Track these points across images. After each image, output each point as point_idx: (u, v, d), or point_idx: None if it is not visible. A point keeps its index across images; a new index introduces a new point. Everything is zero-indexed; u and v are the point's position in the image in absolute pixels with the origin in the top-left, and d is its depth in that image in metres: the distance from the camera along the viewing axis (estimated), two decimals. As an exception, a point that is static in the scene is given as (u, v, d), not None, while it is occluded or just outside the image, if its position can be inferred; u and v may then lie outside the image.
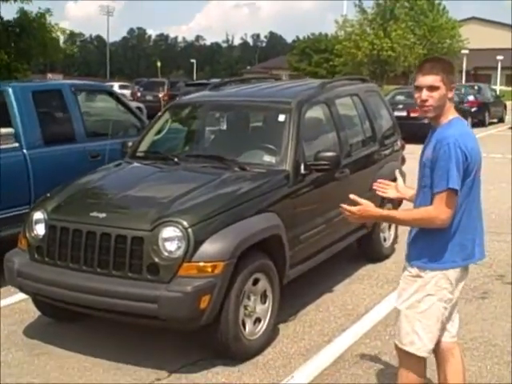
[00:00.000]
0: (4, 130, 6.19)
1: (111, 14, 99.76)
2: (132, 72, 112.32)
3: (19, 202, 5.98)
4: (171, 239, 4.19)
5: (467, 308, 5.33)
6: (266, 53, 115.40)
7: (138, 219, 4.38)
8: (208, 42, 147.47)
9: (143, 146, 5.90)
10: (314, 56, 44.97)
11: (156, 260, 4.17)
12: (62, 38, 17.07)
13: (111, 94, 7.91)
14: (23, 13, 11.50)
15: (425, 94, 3.13)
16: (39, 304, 4.98)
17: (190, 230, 4.18)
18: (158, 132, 6.09)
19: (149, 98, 27.55)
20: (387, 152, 6.83)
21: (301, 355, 4.54)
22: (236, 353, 4.40)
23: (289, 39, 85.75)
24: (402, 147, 7.35)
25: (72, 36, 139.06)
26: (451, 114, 3.19)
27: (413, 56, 33.10)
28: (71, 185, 5.13)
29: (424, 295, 3.18)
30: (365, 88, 6.88)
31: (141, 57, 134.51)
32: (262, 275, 4.60)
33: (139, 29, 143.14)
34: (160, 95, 27.13)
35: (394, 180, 3.79)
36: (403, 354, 3.30)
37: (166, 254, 4.17)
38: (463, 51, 43.00)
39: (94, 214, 4.47)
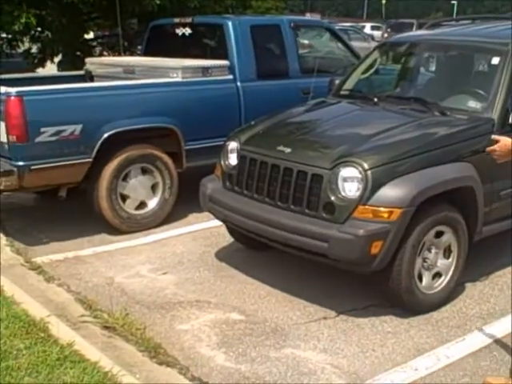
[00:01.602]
0: (220, 63, 6.45)
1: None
2: (389, 13, 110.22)
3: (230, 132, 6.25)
4: (350, 179, 4.09)
5: None
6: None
7: (320, 157, 4.33)
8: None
9: (348, 85, 5.78)
10: None
11: (332, 199, 4.10)
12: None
13: (331, 30, 7.80)
14: None
15: None
16: (231, 230, 5.22)
17: (369, 172, 4.04)
18: (366, 71, 5.91)
19: (395, 38, 26.84)
20: None
21: (480, 318, 4.22)
22: (408, 304, 4.23)
23: None
24: None
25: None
26: None
27: None
28: (269, 118, 5.22)
29: None
30: None
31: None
32: (447, 228, 4.32)
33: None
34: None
35: None
36: None
37: (343, 194, 4.08)
38: None
39: (281, 147, 4.50)
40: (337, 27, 26.33)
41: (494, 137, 3.46)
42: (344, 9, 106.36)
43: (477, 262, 4.88)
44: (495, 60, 4.90)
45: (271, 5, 27.17)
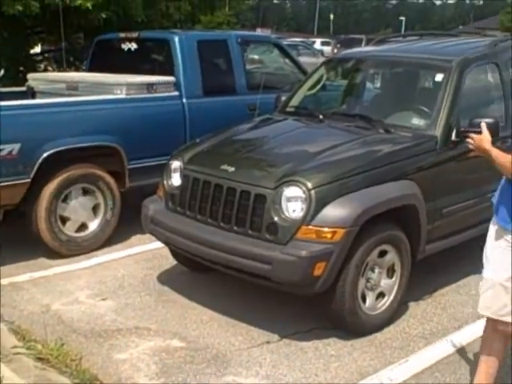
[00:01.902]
0: (165, 79, 6.33)
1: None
2: (340, 28, 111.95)
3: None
4: (293, 199, 4.02)
5: None
6: (482, 12, 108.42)
7: (264, 176, 4.25)
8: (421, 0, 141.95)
9: (294, 101, 5.74)
10: (532, 15, 41.31)
11: (276, 220, 4.02)
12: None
13: (278, 46, 7.77)
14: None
15: None
16: (174, 252, 5.08)
17: (313, 191, 3.97)
18: (312, 87, 5.88)
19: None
20: None
21: (423, 338, 4.18)
22: (352, 326, 4.16)
23: (510, -4, 79.52)
24: None
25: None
26: None
27: None
28: (214, 136, 5.12)
29: None
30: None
31: (350, 13, 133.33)
32: (390, 247, 4.28)
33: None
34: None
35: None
36: (499, 324, 3.21)
37: (287, 214, 4.01)
38: None
39: (225, 166, 4.41)
40: (286, 42, 26.50)
41: (482, 124, 3.35)
42: (295, 24, 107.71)
43: (420, 280, 4.86)
44: (439, 77, 4.92)
45: (223, 19, 27.10)
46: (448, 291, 4.93)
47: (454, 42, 5.76)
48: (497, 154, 3.12)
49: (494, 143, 4.84)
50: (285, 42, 25.98)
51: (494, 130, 4.58)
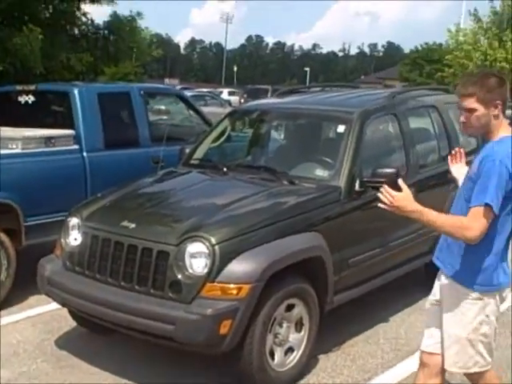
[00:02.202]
0: (65, 132, 6.12)
1: (230, 21, 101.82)
2: (247, 79, 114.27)
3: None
4: (197, 255, 3.89)
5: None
6: (383, 63, 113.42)
7: (167, 232, 4.11)
8: (324, 51, 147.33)
9: (198, 154, 5.65)
10: (426, 66, 43.41)
11: (179, 277, 3.87)
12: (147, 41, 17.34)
13: (182, 98, 7.73)
14: (115, 16, 11.67)
15: (462, 115, 3.06)
16: (73, 313, 4.81)
17: (217, 247, 3.86)
18: (216, 139, 5.82)
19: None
20: (467, 170, 6.20)
21: (333, 393, 4.10)
22: (261, 384, 4.03)
23: (406, 49, 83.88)
24: (487, 166, 6.68)
25: (193, 43, 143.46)
26: (502, 132, 3.03)
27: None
28: (116, 190, 4.94)
29: (485, 316, 3.10)
30: (446, 100, 6.27)
31: (257, 64, 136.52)
32: (297, 301, 4.20)
33: (257, 36, 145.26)
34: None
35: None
36: (473, 375, 3.25)
37: (191, 271, 3.87)
38: None
39: (125, 223, 4.24)
40: (193, 93, 26.56)
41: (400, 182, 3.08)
42: (203, 74, 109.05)
43: (329, 331, 4.79)
44: (341, 128, 4.97)
45: (129, 70, 26.99)
46: (357, 341, 4.89)
47: (354, 94, 5.88)
48: (434, 215, 2.98)
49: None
50: (192, 93, 26.36)
51: (395, 179, 4.70)
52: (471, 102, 2.98)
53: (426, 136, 5.92)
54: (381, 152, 5.32)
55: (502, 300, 3.16)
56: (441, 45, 40.35)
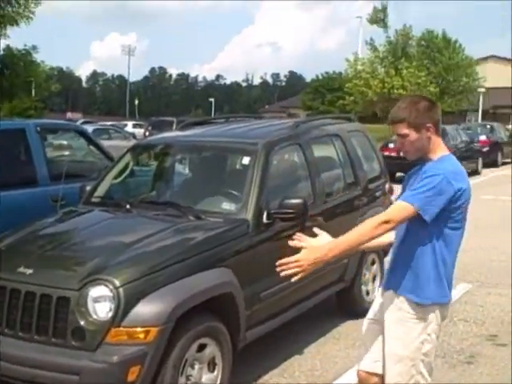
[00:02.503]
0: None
1: (132, 53, 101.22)
2: (152, 111, 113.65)
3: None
4: (100, 299, 3.68)
5: (450, 374, 4.73)
6: (286, 92, 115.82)
7: (67, 276, 3.89)
8: (228, 81, 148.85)
9: (100, 191, 5.41)
10: (327, 95, 44.64)
11: (82, 324, 3.65)
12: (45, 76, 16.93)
13: (81, 132, 7.47)
14: (8, 50, 11.24)
15: (398, 141, 3.13)
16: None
17: (121, 289, 3.66)
18: (118, 175, 5.61)
19: (157, 136, 27.18)
20: (371, 197, 6.29)
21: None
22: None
23: (308, 78, 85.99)
24: (390, 191, 6.80)
25: (95, 76, 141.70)
26: (441, 151, 3.11)
27: (424, 94, 32.51)
28: (12, 234, 4.65)
29: (427, 335, 3.10)
30: (348, 128, 6.37)
31: (161, 96, 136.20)
32: (209, 340, 4.05)
33: (160, 68, 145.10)
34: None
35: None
36: None
37: (94, 316, 3.65)
38: (480, 89, 42.47)
39: (21, 269, 3.97)
40: (96, 127, 26.00)
41: (293, 243, 3.09)
42: (106, 107, 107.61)
43: (244, 368, 4.66)
44: (246, 160, 4.91)
45: (29, 105, 26.19)
46: (272, 376, 4.77)
47: (258, 125, 5.85)
48: (348, 234, 3.02)
49: (303, 223, 4.96)
50: (95, 126, 25.82)
51: (302, 210, 4.68)
52: (402, 128, 3.04)
53: (330, 164, 5.95)
54: (287, 182, 5.30)
55: (444, 318, 3.18)
56: (340, 73, 41.68)
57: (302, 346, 5.37)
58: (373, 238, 3.00)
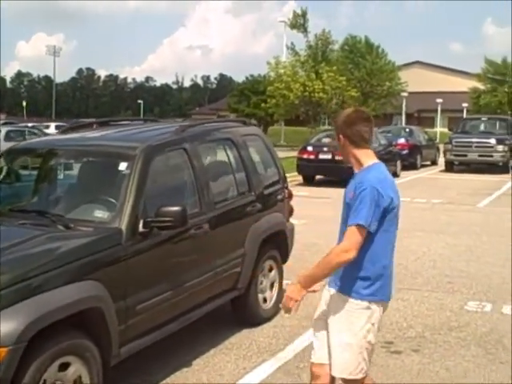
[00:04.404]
0: None
1: (58, 54, 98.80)
2: (80, 112, 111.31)
3: None
4: None
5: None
6: (216, 94, 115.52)
7: None
8: (158, 84, 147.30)
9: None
10: (253, 97, 44.64)
11: None
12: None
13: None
14: None
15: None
16: None
17: (-31, 308, 3.37)
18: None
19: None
20: (268, 203, 6.13)
21: None
22: None
23: (239, 81, 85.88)
24: (290, 196, 6.68)
25: (20, 76, 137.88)
26: (370, 160, 3.40)
27: (345, 98, 32.99)
28: None
29: (371, 324, 3.40)
30: (242, 132, 6.18)
31: (89, 97, 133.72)
32: (73, 358, 3.79)
33: (88, 69, 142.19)
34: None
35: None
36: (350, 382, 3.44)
37: None
38: (403, 94, 43.45)
39: None
40: (12, 128, 25.12)
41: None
42: (32, 108, 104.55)
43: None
44: (123, 166, 4.65)
45: None
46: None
47: (141, 129, 5.61)
48: (316, 266, 3.36)
49: (187, 231, 4.78)
50: (10, 128, 25.00)
51: (181, 218, 4.48)
52: (337, 135, 3.44)
53: (221, 170, 5.76)
54: (169, 190, 5.06)
55: (384, 310, 3.50)
56: (265, 77, 41.79)
57: (191, 359, 5.17)
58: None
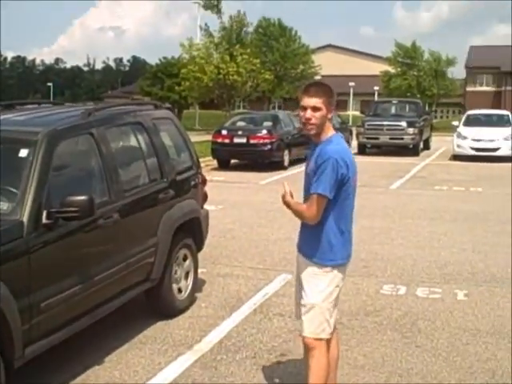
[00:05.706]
0: None
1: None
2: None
3: None
4: None
5: (258, 375, 4.52)
6: (130, 77, 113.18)
7: None
8: (68, 65, 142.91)
9: None
10: (167, 80, 43.86)
11: None
12: None
13: None
14: None
15: (309, 113, 3.61)
16: None
17: None
18: None
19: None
20: (181, 189, 5.91)
21: None
22: None
23: (153, 63, 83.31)
24: (204, 182, 6.49)
25: None
26: (331, 132, 3.70)
27: (259, 81, 32.95)
28: None
29: (334, 287, 3.74)
30: (153, 115, 5.92)
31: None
32: (-30, 363, 3.50)
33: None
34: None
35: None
36: (315, 343, 3.71)
37: None
38: (316, 77, 43.87)
39: None
40: None
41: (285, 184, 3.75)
42: None
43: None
44: (23, 152, 4.32)
45: None
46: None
47: (46, 112, 5.25)
48: (293, 204, 3.71)
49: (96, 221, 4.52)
50: None
51: (87, 208, 4.21)
52: (319, 102, 3.58)
53: (131, 156, 5.49)
54: (75, 177, 4.75)
55: (344, 274, 3.82)
56: (178, 59, 41.17)
57: (103, 355, 4.93)
58: (298, 217, 3.75)
